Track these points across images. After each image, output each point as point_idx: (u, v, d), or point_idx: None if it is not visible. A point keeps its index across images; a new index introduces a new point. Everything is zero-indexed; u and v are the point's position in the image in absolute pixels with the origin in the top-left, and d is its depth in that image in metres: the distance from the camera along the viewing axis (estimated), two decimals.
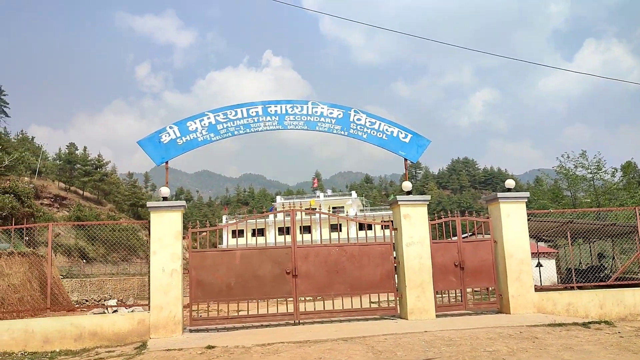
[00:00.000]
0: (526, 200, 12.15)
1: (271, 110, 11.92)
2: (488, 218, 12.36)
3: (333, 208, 69.95)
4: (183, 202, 11.09)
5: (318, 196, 77.53)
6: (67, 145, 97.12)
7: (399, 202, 11.67)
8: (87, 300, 42.84)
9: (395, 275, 11.69)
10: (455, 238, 12.12)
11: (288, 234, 11.74)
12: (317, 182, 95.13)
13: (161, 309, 10.52)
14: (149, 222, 10.95)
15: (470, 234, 11.99)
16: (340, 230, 12.08)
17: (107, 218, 72.50)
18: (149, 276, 10.73)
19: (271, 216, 12.93)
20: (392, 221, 12.07)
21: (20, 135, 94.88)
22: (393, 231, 11.92)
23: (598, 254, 24.59)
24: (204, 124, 11.63)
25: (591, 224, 20.30)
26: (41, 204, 77.39)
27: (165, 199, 11.12)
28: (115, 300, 14.46)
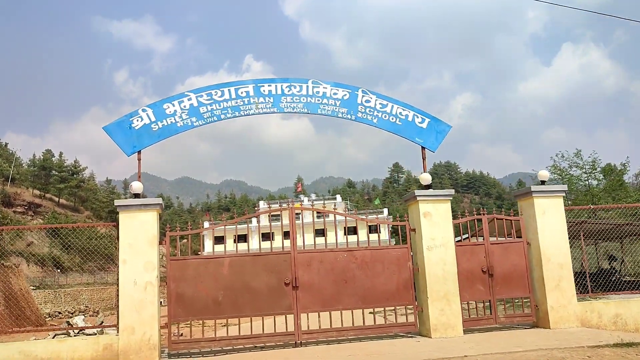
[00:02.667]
0: (564, 194, 10.42)
1: (264, 90, 10.04)
2: (520, 216, 10.60)
3: (317, 212, 67.90)
4: (159, 200, 9.16)
5: (302, 200, 75.48)
6: (44, 152, 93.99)
7: (418, 198, 9.84)
8: (60, 313, 40.42)
9: (413, 285, 9.88)
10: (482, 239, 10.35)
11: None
12: (301, 186, 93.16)
13: (133, 330, 8.55)
14: (118, 224, 9.00)
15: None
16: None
17: (85, 228, 69.60)
18: (118, 290, 8.77)
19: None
20: (408, 221, 10.25)
21: None
22: (410, 233, 10.10)
23: (609, 257, 23.02)
24: (184, 106, 9.71)
25: (606, 224, 18.74)
26: (14, 211, 74.40)
27: (137, 196, 9.17)
28: (83, 316, 12.24)
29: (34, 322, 25.02)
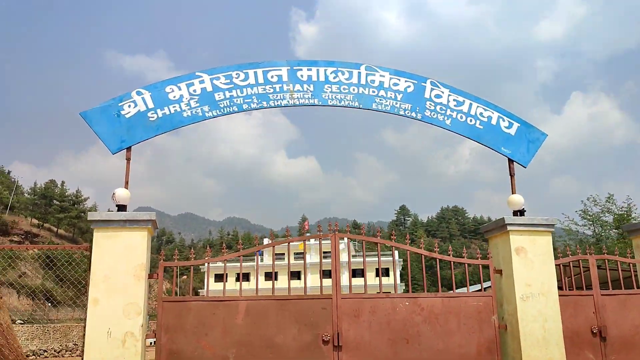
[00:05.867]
0: None
1: (302, 76, 7.50)
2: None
3: (324, 252, 64.78)
4: (152, 215, 6.52)
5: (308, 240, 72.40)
6: (47, 182, 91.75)
7: (509, 227, 7.15)
8: (46, 351, 37.31)
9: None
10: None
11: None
12: (307, 225, 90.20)
13: None
14: (90, 247, 6.36)
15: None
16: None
17: (82, 257, 66.83)
18: (83, 343, 6.04)
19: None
20: (491, 259, 7.55)
21: None
22: (495, 275, 7.38)
23: None
24: (194, 91, 7.16)
25: None
26: (10, 240, 71.77)
27: (121, 208, 6.54)
28: None
29: None
